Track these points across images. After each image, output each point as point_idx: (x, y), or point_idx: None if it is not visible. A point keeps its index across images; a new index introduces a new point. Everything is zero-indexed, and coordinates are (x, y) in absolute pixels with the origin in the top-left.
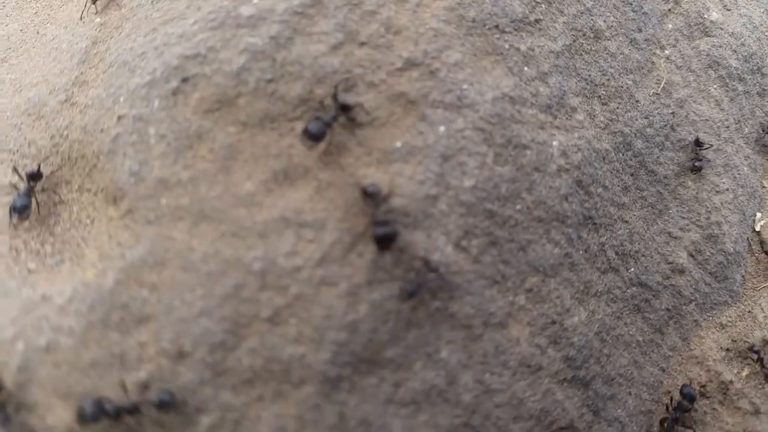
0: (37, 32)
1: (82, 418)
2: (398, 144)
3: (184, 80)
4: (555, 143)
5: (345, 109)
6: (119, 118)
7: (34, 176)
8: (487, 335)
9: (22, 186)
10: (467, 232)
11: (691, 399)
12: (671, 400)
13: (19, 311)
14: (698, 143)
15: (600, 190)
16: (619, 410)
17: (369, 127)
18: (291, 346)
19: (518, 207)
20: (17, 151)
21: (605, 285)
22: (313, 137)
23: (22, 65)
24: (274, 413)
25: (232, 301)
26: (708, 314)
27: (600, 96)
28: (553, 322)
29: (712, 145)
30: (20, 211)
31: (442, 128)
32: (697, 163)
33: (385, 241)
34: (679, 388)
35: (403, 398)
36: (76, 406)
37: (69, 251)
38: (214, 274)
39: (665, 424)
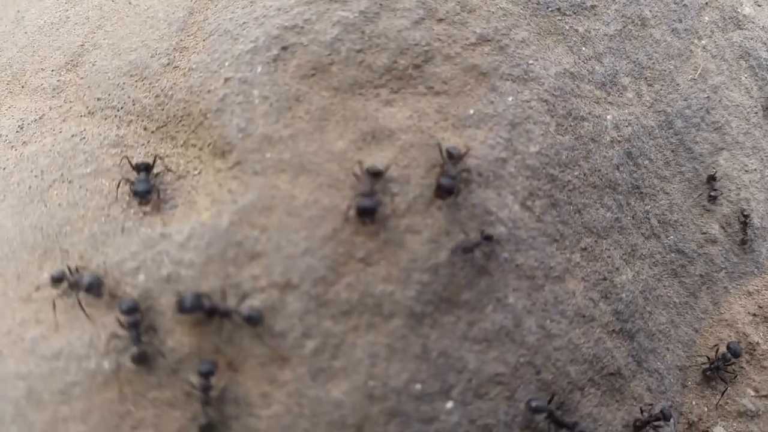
0: (129, 2)
1: (181, 307)
2: (471, 111)
3: (284, 48)
4: (609, 117)
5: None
6: (225, 80)
7: (148, 167)
8: (548, 286)
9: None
10: (531, 193)
11: (736, 354)
12: (716, 352)
13: (138, 247)
14: (712, 178)
15: (646, 162)
16: (658, 363)
17: (445, 95)
18: (382, 284)
19: (576, 173)
20: (121, 108)
21: (648, 249)
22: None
23: (118, 32)
24: (368, 341)
25: (331, 243)
26: (737, 282)
27: (646, 78)
28: (605, 279)
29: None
30: (142, 195)
31: (510, 98)
32: (712, 193)
33: (444, 192)
34: (726, 344)
35: (477, 336)
36: (178, 297)
37: (181, 198)
38: (315, 218)
39: (707, 373)
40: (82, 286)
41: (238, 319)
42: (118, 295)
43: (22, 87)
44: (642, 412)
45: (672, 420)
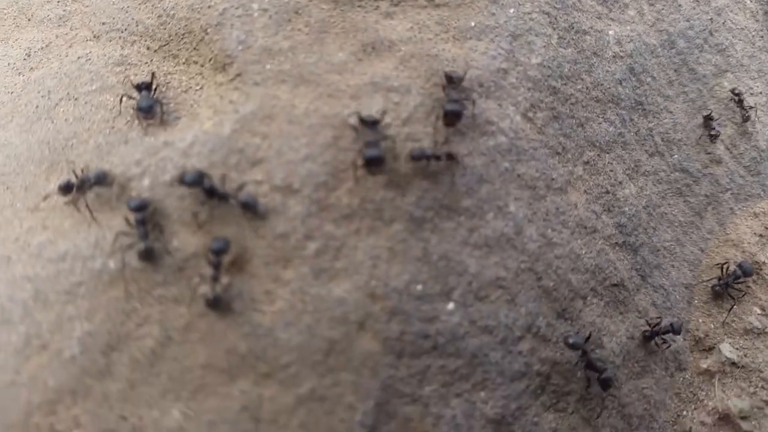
0: None
1: (181, 180)
2: (472, 23)
3: None
4: (611, 32)
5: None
6: None
7: (149, 86)
8: (549, 197)
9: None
10: (533, 105)
11: (747, 273)
12: (726, 269)
13: (142, 154)
14: (709, 118)
15: (649, 79)
16: (663, 279)
17: (445, 7)
18: (382, 189)
19: (578, 86)
20: (125, 29)
21: (652, 166)
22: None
23: None
24: (369, 244)
25: (331, 149)
26: (742, 204)
27: None
28: (607, 192)
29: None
30: (146, 111)
31: (511, 10)
32: (712, 132)
33: (452, 117)
34: (738, 262)
35: (477, 241)
36: (180, 172)
37: (183, 110)
38: (315, 126)
39: (716, 289)
40: (90, 181)
41: (234, 204)
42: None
43: (29, 20)
44: (649, 324)
45: (681, 335)
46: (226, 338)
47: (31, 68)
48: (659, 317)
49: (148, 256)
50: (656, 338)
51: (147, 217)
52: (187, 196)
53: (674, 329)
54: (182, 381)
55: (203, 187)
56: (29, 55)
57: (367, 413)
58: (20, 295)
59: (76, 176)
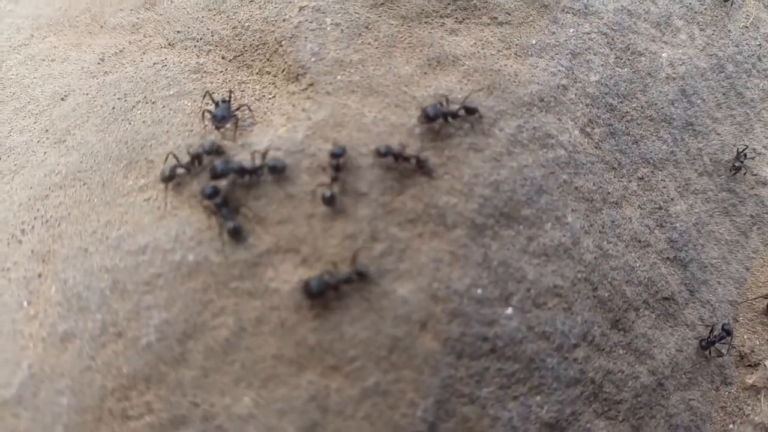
0: None
1: (213, 174)
2: (533, 41)
3: None
4: (664, 54)
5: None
6: (300, 9)
7: (225, 100)
8: (606, 210)
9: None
10: (591, 121)
11: None
12: None
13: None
14: (740, 152)
15: (699, 101)
16: (710, 295)
17: (508, 25)
18: (445, 196)
19: (634, 105)
20: (200, 38)
21: (701, 185)
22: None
23: None
24: (431, 247)
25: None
26: None
27: (698, 22)
28: (660, 208)
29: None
30: (219, 120)
31: (571, 30)
32: (736, 164)
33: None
34: None
35: (536, 250)
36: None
37: (258, 117)
38: (383, 134)
39: None
40: (204, 150)
41: (264, 172)
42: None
43: (101, 27)
44: (710, 332)
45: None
46: (296, 331)
47: (105, 72)
48: (711, 325)
49: (237, 233)
50: (712, 347)
51: (222, 201)
52: (262, 196)
53: (727, 332)
54: (254, 370)
55: (235, 171)
56: (103, 60)
57: (427, 410)
58: (97, 285)
59: (177, 159)
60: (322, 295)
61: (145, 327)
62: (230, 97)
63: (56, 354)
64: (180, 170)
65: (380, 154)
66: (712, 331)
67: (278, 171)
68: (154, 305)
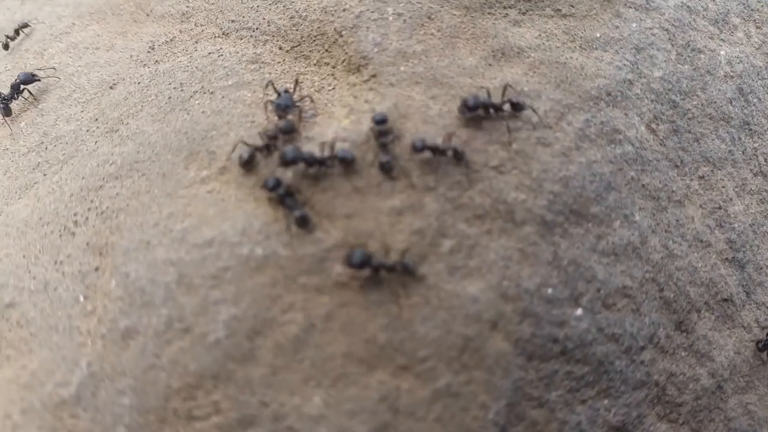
0: None
1: (283, 160)
2: (597, 34)
3: None
4: (722, 52)
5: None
6: None
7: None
8: (670, 209)
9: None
10: (656, 117)
11: None
12: None
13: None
14: None
15: (755, 100)
16: (765, 297)
17: (571, 18)
18: (514, 191)
19: (695, 102)
20: (257, 28)
21: (756, 186)
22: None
23: None
24: (500, 244)
25: (465, 149)
26: None
27: (755, 20)
28: (719, 208)
29: None
30: (282, 109)
31: (634, 24)
32: None
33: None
34: None
35: (605, 249)
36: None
37: (319, 109)
38: (449, 126)
39: None
40: (281, 130)
41: (333, 163)
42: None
43: (147, 15)
44: (767, 334)
45: None
46: (366, 329)
47: (156, 61)
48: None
49: (304, 222)
50: None
51: (284, 192)
52: (329, 189)
53: None
54: (324, 369)
55: (305, 160)
56: (153, 48)
57: (499, 413)
58: (162, 279)
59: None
60: (360, 269)
61: (213, 323)
62: (296, 85)
63: (117, 351)
64: (263, 152)
65: (416, 149)
66: None
67: (348, 162)
68: (222, 300)
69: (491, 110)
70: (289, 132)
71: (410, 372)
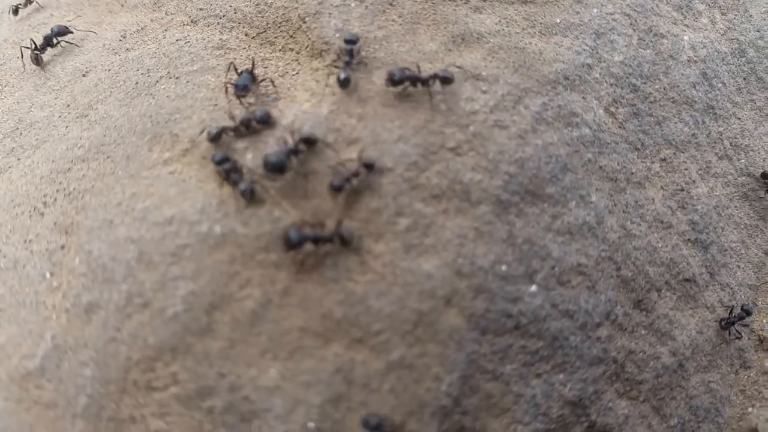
0: None
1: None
2: (558, 20)
3: None
4: (686, 38)
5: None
6: None
7: (249, 71)
8: (629, 190)
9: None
10: (615, 100)
11: None
12: None
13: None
14: (765, 175)
15: (720, 85)
16: (730, 278)
17: (532, 4)
18: (470, 172)
19: (656, 86)
20: (224, 16)
21: (721, 169)
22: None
23: None
24: (456, 223)
25: (423, 132)
26: None
27: (720, 6)
28: (682, 190)
29: None
30: (241, 89)
31: (594, 10)
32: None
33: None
34: None
35: (560, 228)
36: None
37: (282, 93)
38: (408, 110)
39: None
40: (255, 118)
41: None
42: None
43: (122, 6)
44: (730, 312)
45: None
46: (322, 304)
47: (127, 49)
48: (731, 306)
49: (250, 195)
50: (734, 326)
51: (235, 167)
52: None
53: (747, 312)
54: (280, 342)
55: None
56: (124, 37)
57: (452, 384)
58: (123, 256)
59: (233, 120)
60: (300, 246)
61: (172, 298)
62: (252, 66)
63: (80, 325)
64: (229, 133)
65: (394, 81)
66: (732, 311)
67: (311, 143)
68: (180, 276)
69: (418, 84)
70: (265, 122)
71: (365, 345)
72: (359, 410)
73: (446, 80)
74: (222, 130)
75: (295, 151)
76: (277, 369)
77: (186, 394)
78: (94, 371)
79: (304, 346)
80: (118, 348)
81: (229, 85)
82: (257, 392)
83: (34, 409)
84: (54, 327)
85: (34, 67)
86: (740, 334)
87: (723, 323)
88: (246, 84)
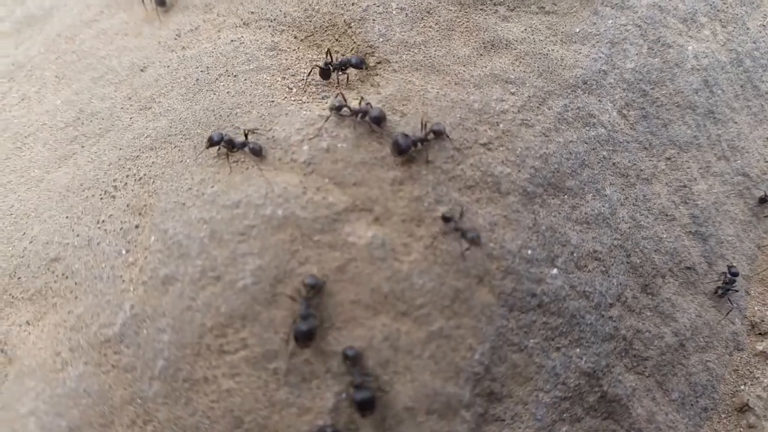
0: None
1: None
2: (577, 29)
3: None
4: (690, 48)
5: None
6: None
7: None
8: (639, 186)
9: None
10: (627, 104)
11: None
12: None
13: (301, 124)
14: (763, 200)
15: (719, 91)
16: (726, 268)
17: (554, 14)
18: (500, 165)
19: (663, 91)
20: (274, 19)
21: (719, 168)
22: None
23: None
24: (487, 211)
25: (459, 129)
26: None
27: (721, 19)
28: (684, 186)
29: None
30: (325, 76)
31: (610, 21)
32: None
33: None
34: None
35: (578, 218)
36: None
37: (330, 92)
38: (445, 108)
39: None
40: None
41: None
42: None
43: (172, 5)
44: (722, 279)
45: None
46: (371, 280)
47: (183, 47)
48: (723, 272)
49: (257, 152)
50: (728, 291)
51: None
52: (340, 160)
53: (734, 273)
54: (335, 313)
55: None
56: (179, 35)
57: (484, 354)
58: (197, 234)
59: (332, 59)
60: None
61: (242, 272)
62: (328, 54)
63: (157, 296)
64: (345, 109)
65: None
66: (723, 278)
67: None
68: (248, 253)
69: (419, 144)
70: (378, 122)
71: (409, 317)
72: (404, 374)
73: (438, 133)
74: (343, 102)
75: (422, 140)
76: (333, 336)
77: (254, 356)
78: (171, 337)
79: (356, 317)
80: (194, 316)
81: (316, 66)
82: (316, 356)
83: (113, 372)
84: (132, 298)
85: (88, 61)
86: (735, 304)
87: (719, 291)
88: (327, 70)
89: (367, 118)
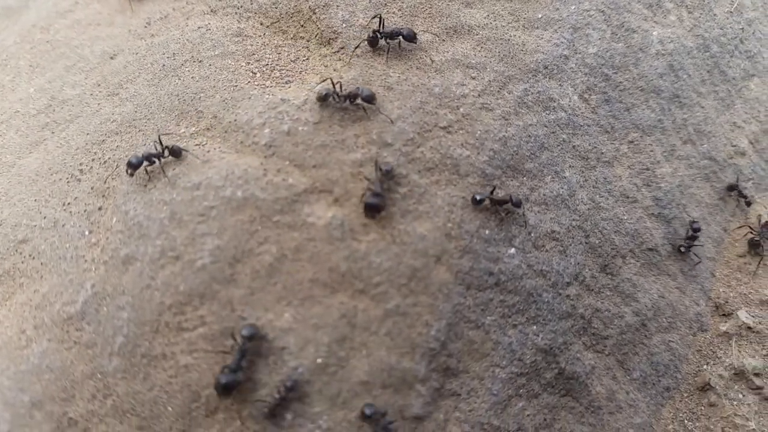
0: None
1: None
2: (539, 15)
3: None
4: (655, 33)
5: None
6: None
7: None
8: (599, 168)
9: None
10: (589, 88)
11: None
12: (761, 222)
13: (263, 108)
14: (731, 187)
15: (685, 76)
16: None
17: (517, 1)
18: (460, 148)
19: (626, 76)
20: (241, 6)
21: (685, 152)
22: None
23: None
24: (447, 193)
25: (419, 113)
26: (762, 194)
27: (687, 5)
28: (647, 169)
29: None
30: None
31: (572, 7)
32: (743, 200)
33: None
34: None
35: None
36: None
37: (293, 76)
38: (406, 92)
39: (754, 241)
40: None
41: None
42: None
43: None
44: (689, 229)
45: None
46: (330, 259)
47: (152, 35)
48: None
49: (177, 153)
50: (692, 247)
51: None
52: (301, 143)
53: (696, 229)
54: (293, 291)
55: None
56: (149, 24)
57: (440, 330)
58: (157, 215)
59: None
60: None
61: (200, 251)
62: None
63: (118, 275)
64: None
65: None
66: (686, 233)
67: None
68: (207, 233)
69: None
70: (369, 101)
71: (366, 295)
72: (360, 349)
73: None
74: (329, 93)
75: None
76: (291, 313)
77: (212, 334)
78: (130, 314)
79: (314, 295)
80: (153, 294)
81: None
82: (273, 332)
83: (75, 349)
84: (93, 277)
85: (62, 50)
86: (699, 258)
87: (681, 249)
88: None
89: (358, 100)
